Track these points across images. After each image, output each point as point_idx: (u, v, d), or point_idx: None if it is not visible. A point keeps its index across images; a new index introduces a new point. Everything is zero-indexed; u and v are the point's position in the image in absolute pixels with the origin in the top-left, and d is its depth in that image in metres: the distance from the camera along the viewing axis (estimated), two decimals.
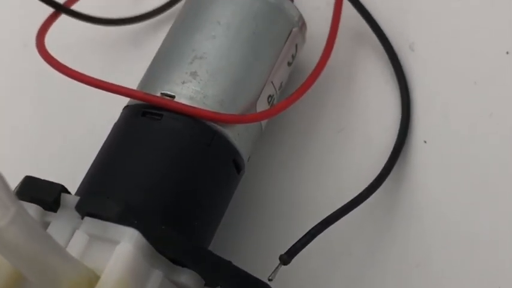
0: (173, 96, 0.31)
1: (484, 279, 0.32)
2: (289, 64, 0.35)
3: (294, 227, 0.34)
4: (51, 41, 0.37)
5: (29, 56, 0.44)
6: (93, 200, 0.26)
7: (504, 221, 0.33)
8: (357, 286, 0.33)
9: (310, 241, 0.30)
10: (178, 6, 0.42)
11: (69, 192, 0.28)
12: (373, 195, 0.33)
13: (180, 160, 0.30)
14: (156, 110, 0.31)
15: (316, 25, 0.38)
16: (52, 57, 0.34)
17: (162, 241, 0.26)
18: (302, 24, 0.36)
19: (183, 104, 0.31)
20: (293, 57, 0.35)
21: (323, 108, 0.37)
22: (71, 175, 0.32)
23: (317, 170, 0.36)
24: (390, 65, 0.37)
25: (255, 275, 0.27)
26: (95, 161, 0.31)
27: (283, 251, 0.30)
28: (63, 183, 0.28)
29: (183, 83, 0.31)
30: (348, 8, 0.37)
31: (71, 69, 0.33)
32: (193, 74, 0.32)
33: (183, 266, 0.27)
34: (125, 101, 0.33)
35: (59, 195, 0.27)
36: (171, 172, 0.30)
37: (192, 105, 0.31)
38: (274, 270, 0.29)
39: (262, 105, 0.33)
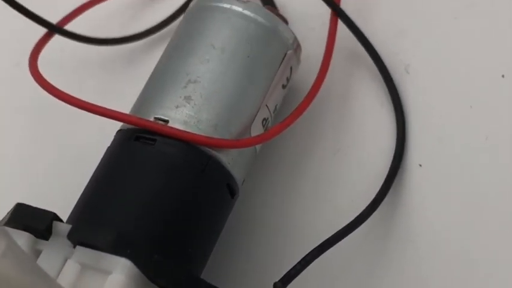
0: (167, 121, 0.31)
1: None
2: (283, 87, 0.35)
3: (289, 252, 0.33)
4: (44, 60, 0.37)
5: (21, 75, 0.43)
6: (85, 228, 0.26)
7: (500, 245, 0.33)
8: None
9: (305, 268, 0.30)
10: (172, 26, 0.42)
11: (61, 220, 0.27)
12: (369, 219, 0.33)
13: (173, 186, 0.30)
14: (150, 135, 0.30)
15: (311, 46, 0.38)
16: (45, 80, 0.33)
17: (154, 271, 0.26)
18: (297, 47, 0.35)
19: (177, 129, 0.30)
20: (288, 79, 0.35)
21: (318, 130, 0.37)
22: (64, 199, 0.31)
23: (313, 193, 0.36)
24: (385, 87, 0.37)
25: None
26: (87, 186, 0.31)
27: (279, 276, 0.29)
28: (55, 207, 0.28)
29: (177, 107, 0.31)
30: (342, 30, 0.37)
31: (64, 92, 0.32)
32: (187, 98, 0.31)
33: None
34: (118, 124, 0.33)
35: (51, 223, 0.27)
36: (164, 199, 0.29)
37: (185, 129, 0.31)
38: None
39: (256, 129, 0.33)
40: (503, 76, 0.35)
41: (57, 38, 0.39)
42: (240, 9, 0.34)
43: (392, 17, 0.39)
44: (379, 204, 0.33)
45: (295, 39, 0.35)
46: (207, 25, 0.34)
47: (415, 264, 0.33)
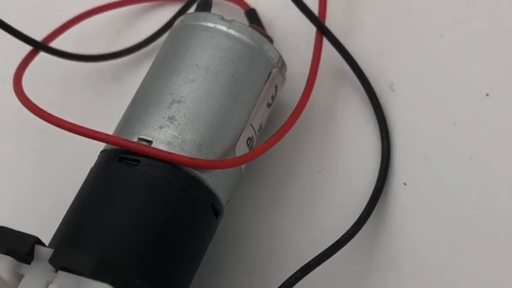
0: (150, 142, 0.31)
1: None
2: (268, 105, 0.35)
3: (274, 271, 0.34)
4: (30, 75, 0.37)
5: (7, 90, 0.43)
6: (66, 253, 0.26)
7: (483, 265, 0.33)
8: None
9: None
10: (157, 43, 0.42)
11: (43, 244, 0.27)
12: (353, 238, 0.33)
13: (157, 208, 0.30)
14: (133, 156, 0.30)
15: (296, 63, 0.38)
16: (29, 100, 0.33)
17: None
18: (282, 65, 0.35)
19: (160, 150, 0.30)
20: (273, 98, 0.35)
21: (303, 148, 0.37)
22: (46, 220, 0.31)
23: (298, 211, 0.36)
24: (370, 105, 0.37)
25: None
26: (70, 208, 0.31)
27: None
28: (37, 227, 0.28)
29: (161, 127, 0.31)
30: (327, 48, 0.37)
31: (48, 113, 0.32)
32: (171, 119, 0.31)
33: None
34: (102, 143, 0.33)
35: (33, 247, 0.26)
36: (148, 221, 0.29)
37: (169, 150, 0.30)
38: None
39: (241, 148, 0.33)
40: (487, 95, 0.35)
41: (42, 54, 0.39)
42: (224, 28, 0.34)
43: (377, 35, 0.39)
44: (363, 224, 0.33)
45: (280, 57, 0.35)
46: (192, 44, 0.34)
47: (399, 284, 0.33)
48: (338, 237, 0.32)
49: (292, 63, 0.37)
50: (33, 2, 0.46)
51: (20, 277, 0.27)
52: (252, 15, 0.40)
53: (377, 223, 0.34)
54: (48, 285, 0.26)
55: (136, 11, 0.44)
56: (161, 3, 0.44)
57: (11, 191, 0.39)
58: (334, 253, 0.32)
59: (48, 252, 0.26)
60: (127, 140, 0.31)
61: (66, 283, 0.25)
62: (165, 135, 0.31)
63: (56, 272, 0.26)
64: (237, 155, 0.32)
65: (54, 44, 0.40)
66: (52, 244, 0.29)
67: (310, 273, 0.31)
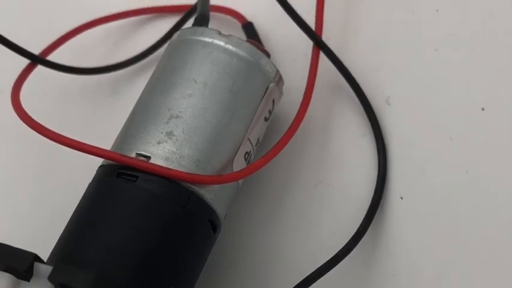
0: (148, 157, 0.31)
1: None
2: (266, 119, 0.35)
3: (271, 286, 0.34)
4: (27, 89, 0.37)
5: (4, 102, 0.43)
6: (65, 270, 0.26)
7: (481, 278, 0.33)
8: None
9: None
10: (155, 55, 0.42)
11: (42, 261, 0.27)
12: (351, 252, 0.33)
13: (155, 223, 0.30)
14: (131, 171, 0.30)
15: (293, 77, 0.38)
16: (27, 114, 0.33)
17: None
18: (279, 79, 0.36)
19: (158, 166, 0.30)
20: (270, 112, 0.35)
21: (300, 162, 0.37)
22: (43, 234, 0.32)
23: (295, 225, 0.36)
24: (366, 119, 0.37)
25: None
26: (68, 224, 0.31)
27: None
28: (34, 241, 0.28)
29: (159, 143, 0.31)
30: (324, 62, 0.37)
31: (47, 128, 0.32)
32: (169, 134, 0.31)
33: None
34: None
35: (32, 265, 0.27)
36: (146, 236, 0.29)
37: (167, 166, 0.31)
38: None
39: (239, 163, 0.33)
40: (483, 109, 0.36)
41: (40, 66, 0.39)
42: (222, 43, 0.34)
43: (372, 49, 0.39)
44: (360, 239, 0.33)
45: (277, 72, 0.35)
46: (189, 59, 0.34)
47: None
48: (335, 252, 0.33)
49: (289, 77, 0.37)
50: (30, 15, 0.46)
51: None
52: (249, 29, 0.41)
53: (374, 237, 0.34)
54: None
55: (133, 23, 0.44)
56: (158, 15, 0.44)
57: (7, 204, 0.39)
58: (332, 268, 0.32)
59: (47, 269, 0.26)
60: (125, 156, 0.31)
61: None
62: (163, 151, 0.31)
63: None
64: (234, 170, 0.32)
65: (52, 56, 0.40)
66: (51, 260, 0.29)
67: None
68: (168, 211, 0.30)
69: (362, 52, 0.39)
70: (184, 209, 0.30)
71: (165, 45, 0.41)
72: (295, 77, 0.38)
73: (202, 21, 0.36)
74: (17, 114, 0.34)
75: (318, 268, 0.32)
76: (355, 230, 0.34)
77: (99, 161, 0.33)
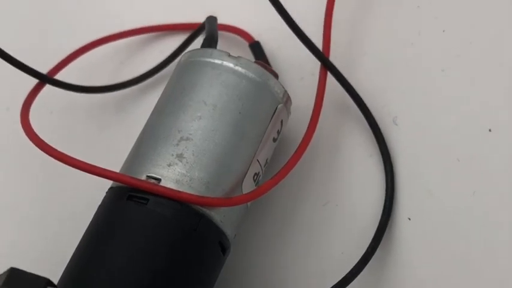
0: (159, 180, 0.31)
1: None
2: (274, 140, 0.35)
3: None
4: (33, 106, 0.37)
5: (11, 119, 0.44)
6: None
7: None
8: None
9: None
10: (161, 74, 0.42)
11: (54, 285, 0.27)
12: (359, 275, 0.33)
13: (166, 247, 0.30)
14: (142, 194, 0.31)
15: (300, 95, 0.38)
16: (38, 137, 0.33)
17: None
18: (287, 100, 0.36)
19: (170, 189, 0.30)
20: (278, 132, 0.36)
21: (307, 181, 0.38)
22: (54, 258, 0.32)
23: (303, 245, 0.36)
24: (374, 139, 0.37)
25: None
26: (78, 247, 0.31)
27: None
28: (44, 265, 0.28)
29: (169, 165, 0.31)
30: (330, 81, 0.37)
31: (57, 150, 0.32)
32: (180, 156, 0.32)
33: None
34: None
35: None
36: (157, 260, 0.29)
37: (178, 188, 0.31)
38: None
39: (248, 184, 0.33)
40: (490, 130, 0.36)
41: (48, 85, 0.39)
42: (231, 65, 0.34)
43: (379, 69, 0.39)
44: (369, 260, 0.33)
45: (285, 92, 0.36)
46: (199, 81, 0.34)
47: None
48: (344, 272, 0.33)
49: (296, 96, 0.37)
50: (37, 34, 0.46)
51: None
52: (256, 49, 0.41)
53: (382, 259, 0.34)
54: None
55: (140, 41, 0.44)
56: (165, 33, 0.44)
57: (18, 228, 0.39)
58: None
59: None
60: (136, 179, 0.31)
61: None
62: (173, 173, 0.31)
63: None
64: (244, 191, 0.33)
65: (59, 73, 0.40)
66: (61, 284, 0.29)
67: None
68: (179, 234, 0.30)
69: (369, 72, 0.39)
70: (195, 231, 0.31)
71: (172, 64, 0.42)
72: (302, 96, 0.38)
73: (211, 42, 0.37)
74: (27, 135, 0.34)
75: None
76: (364, 251, 0.34)
77: (106, 180, 0.33)
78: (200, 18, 0.42)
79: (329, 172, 0.38)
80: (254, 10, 0.43)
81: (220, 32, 0.39)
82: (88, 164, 0.31)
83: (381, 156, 0.37)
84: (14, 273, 0.27)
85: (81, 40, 0.42)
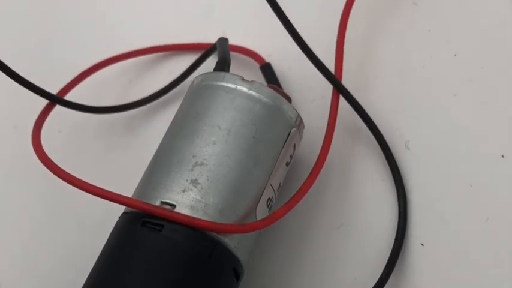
0: (174, 205, 0.31)
1: None
2: (287, 164, 0.35)
3: None
4: (44, 128, 0.37)
5: (18, 137, 0.43)
6: None
7: None
8: None
9: None
10: (170, 95, 0.42)
11: None
12: None
13: (181, 274, 0.30)
14: (157, 220, 0.30)
15: (311, 118, 0.38)
16: (50, 160, 0.33)
17: None
18: (300, 123, 0.36)
19: (185, 216, 0.30)
20: (291, 157, 0.35)
21: (320, 205, 0.37)
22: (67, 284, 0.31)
23: (316, 269, 0.36)
24: (386, 163, 0.37)
25: None
26: (91, 273, 0.31)
27: None
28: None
29: (184, 191, 0.31)
30: (342, 104, 0.37)
31: (70, 174, 0.32)
32: (194, 182, 0.31)
33: None
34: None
35: None
36: (172, 287, 0.29)
37: (193, 214, 0.31)
38: None
39: (262, 210, 0.33)
40: (502, 156, 0.36)
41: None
42: (245, 89, 0.34)
43: (391, 92, 0.39)
44: (383, 286, 0.33)
45: (298, 116, 0.35)
46: (212, 105, 0.34)
47: None
48: None
49: (308, 118, 0.37)
50: (46, 52, 0.46)
51: None
52: (268, 71, 0.41)
53: (396, 285, 0.34)
54: None
55: (149, 60, 0.44)
56: (174, 53, 0.44)
57: (24, 252, 0.39)
58: None
59: None
60: (151, 205, 0.31)
61: None
62: (188, 199, 0.31)
63: None
64: (258, 217, 0.32)
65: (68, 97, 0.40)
66: None
67: None
68: (194, 262, 0.30)
69: (380, 95, 0.39)
70: (210, 258, 0.30)
71: (182, 85, 0.42)
72: (313, 118, 0.38)
73: (224, 65, 0.37)
74: (39, 158, 0.34)
75: None
76: (377, 277, 0.34)
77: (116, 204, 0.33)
78: (209, 38, 0.42)
79: (341, 196, 0.37)
80: (263, 30, 0.42)
81: (231, 53, 0.39)
82: (101, 189, 0.31)
83: (393, 180, 0.37)
84: None
85: (90, 59, 0.42)
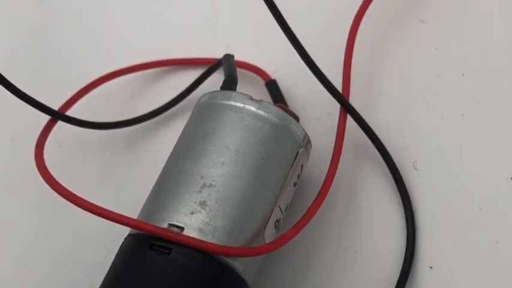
0: (182, 228, 0.30)
1: None
2: (294, 184, 0.35)
3: None
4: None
5: (16, 151, 0.43)
6: None
7: None
8: None
9: None
10: (174, 109, 0.42)
11: None
12: None
13: None
14: (165, 243, 0.30)
15: (318, 136, 0.37)
16: (54, 180, 0.33)
17: None
18: (307, 143, 0.35)
19: (194, 239, 0.30)
20: (298, 177, 0.35)
21: (327, 226, 0.37)
22: None
23: None
24: (394, 183, 0.37)
25: None
26: None
27: None
28: None
29: (192, 213, 0.31)
30: (350, 124, 0.37)
31: (74, 195, 0.32)
32: (203, 204, 0.31)
33: None
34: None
35: None
36: None
37: (201, 237, 0.30)
38: None
39: (270, 232, 0.32)
40: (511, 178, 0.35)
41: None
42: (253, 108, 0.33)
43: (398, 111, 0.39)
44: None
45: (306, 135, 0.35)
46: (220, 125, 0.33)
47: None
48: None
49: (314, 136, 0.36)
50: (47, 66, 0.45)
51: None
52: (273, 88, 0.40)
53: None
54: None
55: (152, 75, 0.44)
56: (178, 68, 0.43)
57: (16, 269, 0.38)
58: None
59: None
60: (159, 228, 0.30)
61: None
62: (196, 222, 0.30)
63: None
64: (266, 239, 0.32)
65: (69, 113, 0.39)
66: None
67: None
68: (202, 285, 0.30)
69: (387, 114, 0.39)
70: (218, 282, 0.30)
71: (186, 100, 0.41)
72: (320, 136, 0.38)
73: (231, 84, 0.36)
74: (43, 177, 0.33)
75: None
76: None
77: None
78: (213, 53, 0.42)
79: (348, 216, 0.37)
80: (268, 45, 0.42)
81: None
82: (109, 211, 0.31)
83: (401, 201, 0.36)
84: None
85: (92, 73, 0.41)
